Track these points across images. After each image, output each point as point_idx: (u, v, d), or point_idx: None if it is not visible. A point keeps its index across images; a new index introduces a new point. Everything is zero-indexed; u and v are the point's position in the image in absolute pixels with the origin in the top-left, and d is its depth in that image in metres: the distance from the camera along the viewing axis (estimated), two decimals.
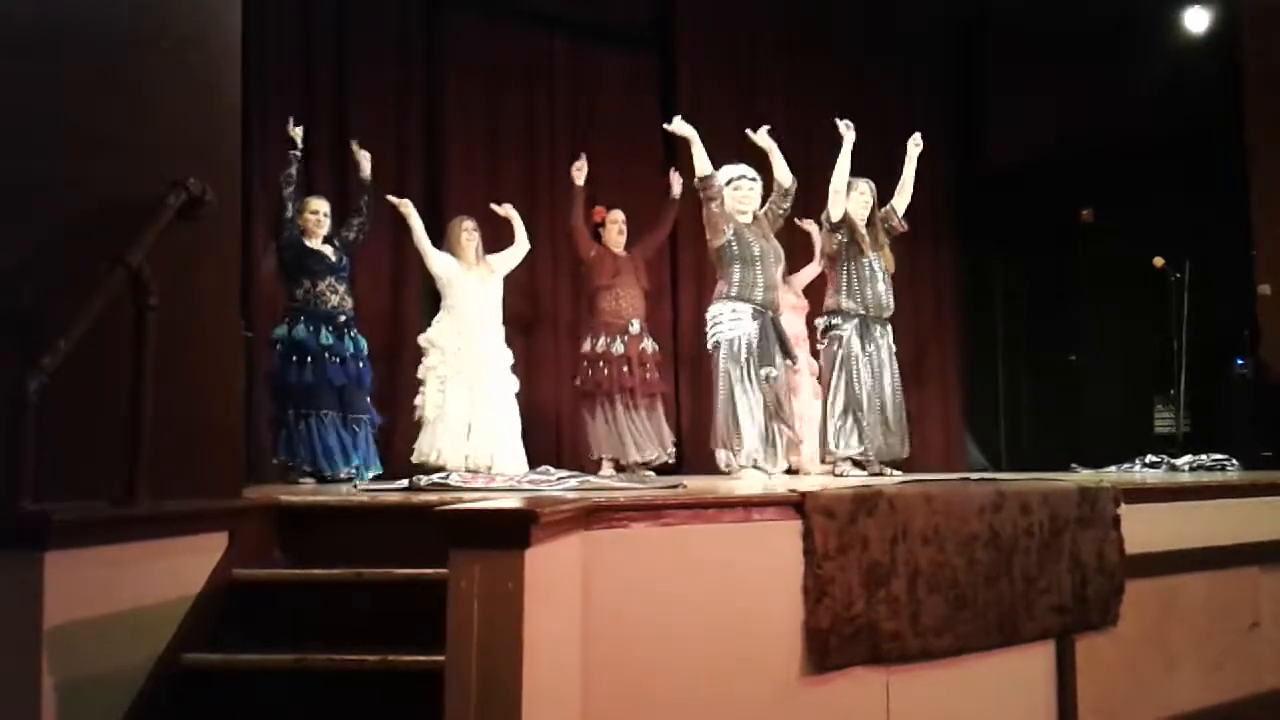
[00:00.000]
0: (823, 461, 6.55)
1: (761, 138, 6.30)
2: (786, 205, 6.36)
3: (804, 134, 8.01)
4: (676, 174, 7.50)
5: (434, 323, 6.84)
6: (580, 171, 7.18)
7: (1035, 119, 9.78)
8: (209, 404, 3.74)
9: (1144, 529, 4.90)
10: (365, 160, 6.64)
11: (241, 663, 3.40)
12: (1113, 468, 7.27)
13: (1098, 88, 9.15)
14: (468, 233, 6.93)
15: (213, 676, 3.37)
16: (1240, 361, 8.18)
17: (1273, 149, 8.30)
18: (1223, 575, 5.29)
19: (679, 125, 6.25)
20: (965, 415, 10.08)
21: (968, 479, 5.31)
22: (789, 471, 6.29)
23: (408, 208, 6.87)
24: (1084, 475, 6.19)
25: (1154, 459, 7.37)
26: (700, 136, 6.21)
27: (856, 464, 6.32)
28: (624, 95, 8.95)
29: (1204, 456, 7.25)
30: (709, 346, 6.19)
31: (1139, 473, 7.12)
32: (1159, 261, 7.88)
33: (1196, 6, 8.82)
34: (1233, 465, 7.13)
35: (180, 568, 3.45)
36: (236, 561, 3.65)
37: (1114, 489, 4.88)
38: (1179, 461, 7.26)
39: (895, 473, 6.29)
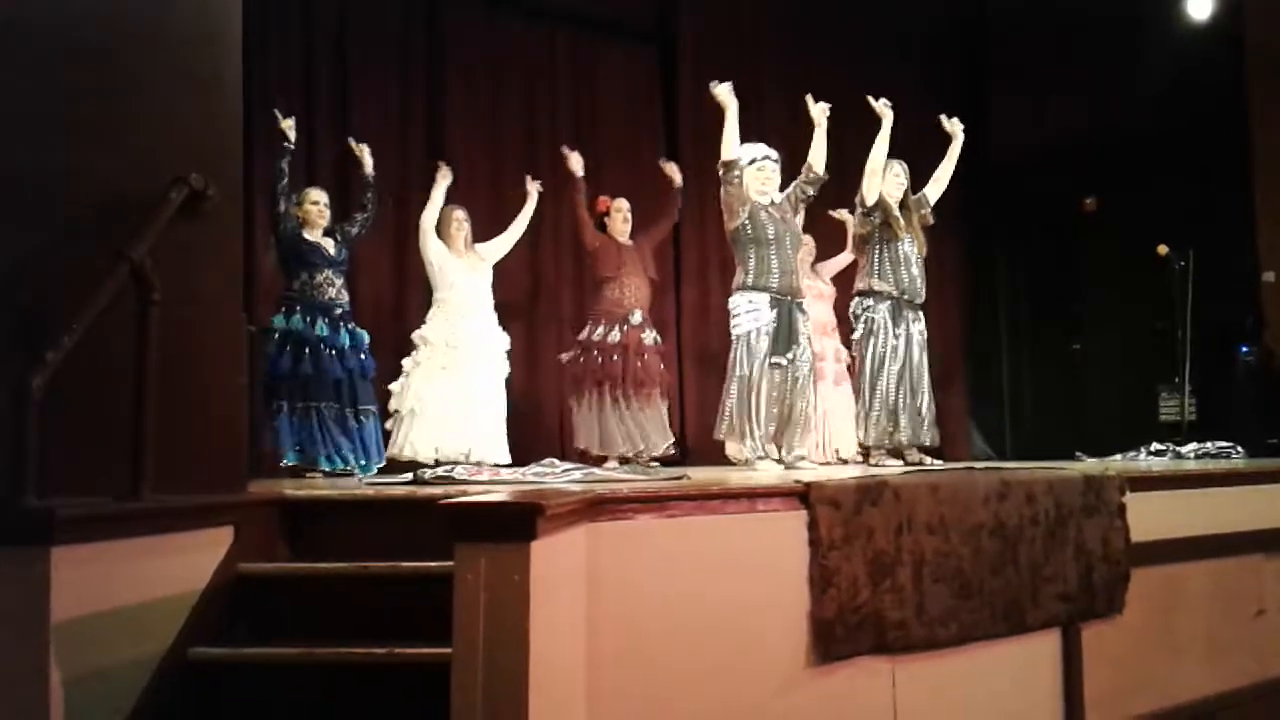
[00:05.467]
0: (860, 449, 6.48)
1: (817, 112, 6.18)
2: (812, 191, 6.25)
3: (806, 130, 7.98)
4: (673, 164, 7.48)
5: (428, 318, 6.86)
6: (576, 161, 7.16)
7: (1038, 108, 9.78)
8: (213, 398, 3.75)
9: (1149, 517, 4.90)
10: (367, 156, 6.64)
11: (248, 657, 3.41)
12: (1118, 456, 7.26)
13: (1100, 78, 9.14)
14: (458, 222, 6.96)
15: (219, 670, 3.38)
16: (1245, 349, 8.18)
17: (1276, 137, 8.29)
18: (1228, 563, 5.29)
19: (724, 92, 6.05)
20: (970, 405, 10.07)
21: (973, 468, 5.32)
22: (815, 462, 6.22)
23: (444, 180, 6.90)
24: (1089, 463, 6.20)
25: (1159, 447, 7.36)
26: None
27: (892, 453, 6.27)
28: (626, 90, 8.93)
29: (1209, 444, 7.25)
30: (732, 339, 6.07)
31: (1144, 461, 7.12)
32: (1163, 250, 7.87)
33: None
34: (1238, 453, 7.13)
35: (186, 562, 3.46)
36: (242, 556, 3.65)
37: (1119, 477, 4.88)
38: (1184, 449, 7.26)
39: (934, 461, 6.25)
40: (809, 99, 6.24)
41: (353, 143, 6.73)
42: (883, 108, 6.32)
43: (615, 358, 6.99)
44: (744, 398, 5.87)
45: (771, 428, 5.89)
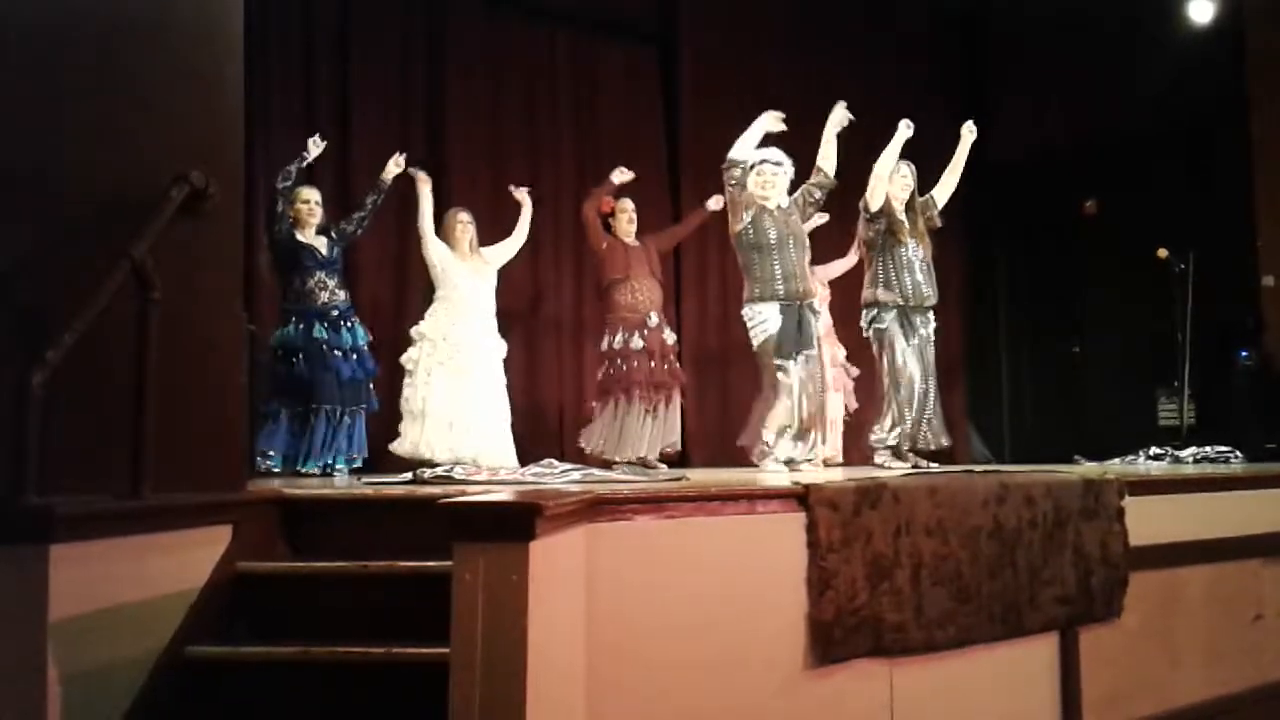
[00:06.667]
0: (870, 452, 6.48)
1: (840, 116, 6.19)
2: (819, 195, 6.25)
3: (806, 131, 7.98)
4: (719, 197, 7.40)
5: (427, 315, 6.82)
6: (623, 175, 7.16)
7: (1039, 111, 9.79)
8: (212, 397, 3.75)
9: (1148, 521, 4.90)
10: (392, 165, 6.64)
11: (246, 655, 3.41)
12: (1117, 460, 7.25)
13: (1101, 80, 9.15)
14: (463, 225, 6.93)
15: (217, 669, 3.38)
16: (1244, 353, 8.18)
17: (1277, 140, 8.29)
18: (1226, 567, 5.29)
19: (773, 119, 6.09)
20: (969, 407, 10.08)
21: (972, 471, 5.31)
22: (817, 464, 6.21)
23: (425, 185, 6.83)
24: (1088, 467, 6.18)
25: (1158, 451, 7.36)
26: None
27: (897, 454, 6.28)
28: (626, 90, 8.93)
29: (1208, 448, 7.24)
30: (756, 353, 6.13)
31: (1143, 464, 7.11)
32: (1163, 253, 7.86)
33: None
34: (1236, 457, 7.12)
35: (184, 561, 3.46)
36: (240, 554, 3.65)
37: (1118, 481, 4.88)
38: (1183, 453, 7.25)
39: (933, 465, 6.25)
40: (841, 105, 6.23)
41: (405, 163, 6.72)
42: (904, 127, 6.33)
43: (638, 363, 6.97)
44: (769, 404, 5.90)
45: (791, 431, 5.91)
